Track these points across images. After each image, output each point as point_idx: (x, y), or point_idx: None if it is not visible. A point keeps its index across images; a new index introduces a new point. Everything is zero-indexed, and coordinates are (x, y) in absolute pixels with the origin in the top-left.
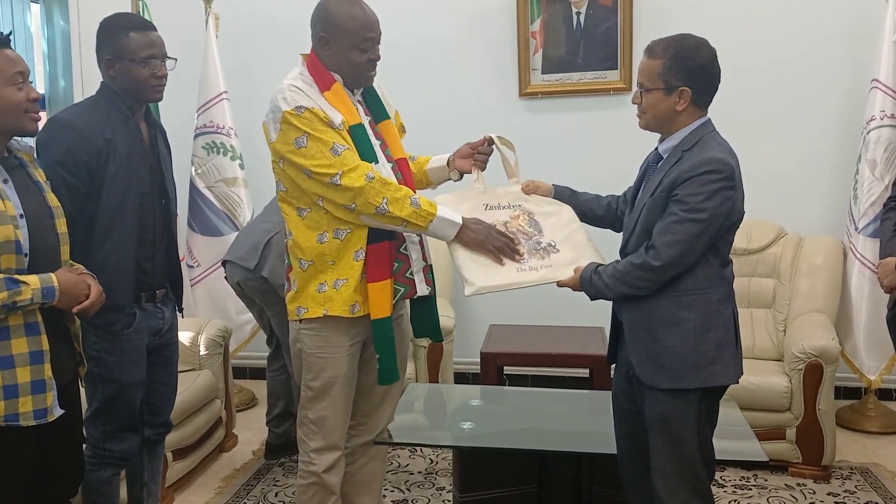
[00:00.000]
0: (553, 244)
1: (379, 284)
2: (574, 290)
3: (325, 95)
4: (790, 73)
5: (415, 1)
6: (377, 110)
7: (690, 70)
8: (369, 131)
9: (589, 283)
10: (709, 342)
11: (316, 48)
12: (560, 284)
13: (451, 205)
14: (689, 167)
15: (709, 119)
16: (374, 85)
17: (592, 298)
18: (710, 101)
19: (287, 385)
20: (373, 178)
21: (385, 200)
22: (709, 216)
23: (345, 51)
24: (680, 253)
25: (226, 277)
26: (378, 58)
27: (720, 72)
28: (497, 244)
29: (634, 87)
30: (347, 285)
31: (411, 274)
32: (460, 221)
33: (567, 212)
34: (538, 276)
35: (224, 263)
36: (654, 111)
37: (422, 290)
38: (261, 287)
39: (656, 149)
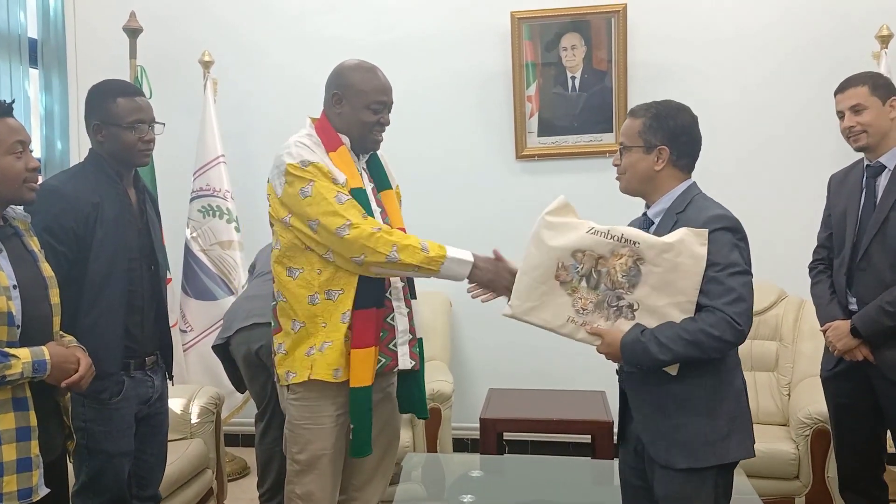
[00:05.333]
0: (633, 307)
1: (362, 352)
2: (611, 358)
3: (330, 156)
4: (792, 135)
5: (414, 66)
6: (380, 180)
7: (670, 129)
8: (371, 197)
9: (633, 344)
10: (722, 416)
11: (327, 107)
12: (599, 351)
13: (559, 213)
14: (699, 227)
15: (694, 182)
16: (379, 155)
17: (632, 364)
18: (692, 165)
19: (281, 457)
20: (380, 230)
21: (395, 248)
22: (745, 266)
23: (356, 110)
24: (749, 307)
25: (228, 347)
26: (387, 122)
27: (701, 137)
28: (500, 291)
29: None
30: (332, 347)
31: (395, 345)
32: (471, 259)
33: (692, 275)
34: (582, 336)
35: (235, 333)
36: (634, 170)
37: (404, 363)
38: None
39: (645, 214)
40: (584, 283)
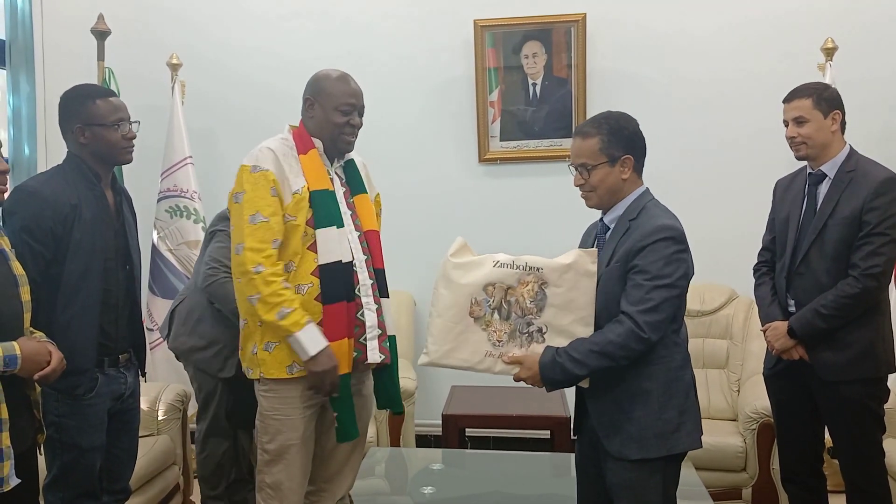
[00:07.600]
0: (542, 330)
1: (335, 344)
2: (531, 382)
3: (301, 158)
4: (743, 140)
5: (377, 70)
6: (355, 184)
7: (627, 138)
8: (341, 200)
9: (551, 366)
10: (672, 410)
11: (303, 113)
12: (516, 379)
13: (461, 254)
14: (642, 236)
15: (647, 188)
16: (360, 164)
17: (552, 384)
18: (643, 167)
19: (232, 452)
20: (260, 272)
21: (257, 297)
22: (674, 280)
23: (327, 112)
24: (662, 319)
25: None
26: (358, 125)
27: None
28: (323, 390)
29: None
30: (280, 347)
31: (364, 340)
32: (312, 353)
33: (588, 291)
34: (501, 369)
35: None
36: (605, 185)
37: (373, 357)
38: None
39: (601, 219)
40: (496, 316)
